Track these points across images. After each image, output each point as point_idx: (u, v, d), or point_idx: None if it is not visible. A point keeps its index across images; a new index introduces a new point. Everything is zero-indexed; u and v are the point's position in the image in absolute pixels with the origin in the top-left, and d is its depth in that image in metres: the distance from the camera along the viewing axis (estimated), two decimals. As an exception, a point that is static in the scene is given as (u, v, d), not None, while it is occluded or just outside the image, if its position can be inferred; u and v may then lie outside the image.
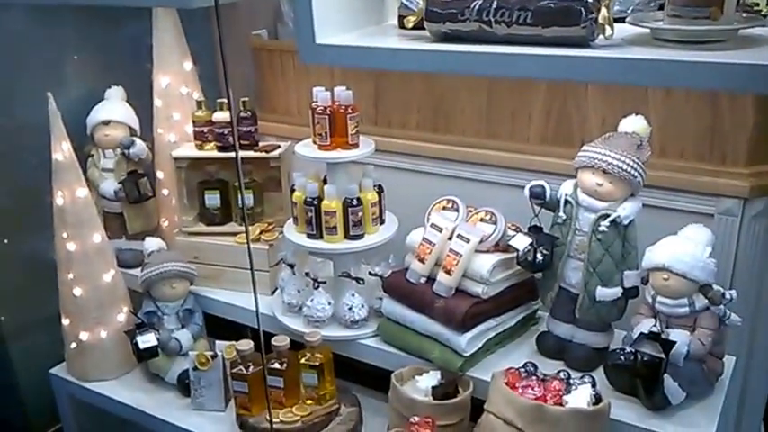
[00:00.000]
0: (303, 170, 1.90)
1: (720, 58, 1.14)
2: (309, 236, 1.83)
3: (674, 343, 1.45)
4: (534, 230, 1.62)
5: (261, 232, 2.03)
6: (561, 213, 1.59)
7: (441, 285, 1.66)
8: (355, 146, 1.80)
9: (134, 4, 1.97)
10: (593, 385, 1.50)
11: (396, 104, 2.18)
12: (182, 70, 2.17)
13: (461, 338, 1.62)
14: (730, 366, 1.64)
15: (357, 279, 1.82)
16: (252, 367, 1.81)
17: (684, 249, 1.48)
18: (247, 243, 1.97)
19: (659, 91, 1.74)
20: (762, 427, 2.01)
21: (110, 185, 2.15)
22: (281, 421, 1.79)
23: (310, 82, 1.87)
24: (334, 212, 1.78)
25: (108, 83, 2.20)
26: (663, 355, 1.44)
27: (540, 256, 1.58)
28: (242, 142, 2.02)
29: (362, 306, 1.81)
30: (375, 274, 1.83)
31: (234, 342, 1.89)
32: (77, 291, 2.01)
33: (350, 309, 1.80)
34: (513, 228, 1.68)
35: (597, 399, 1.48)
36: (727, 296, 1.47)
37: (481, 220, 1.69)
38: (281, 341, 1.81)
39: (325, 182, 1.85)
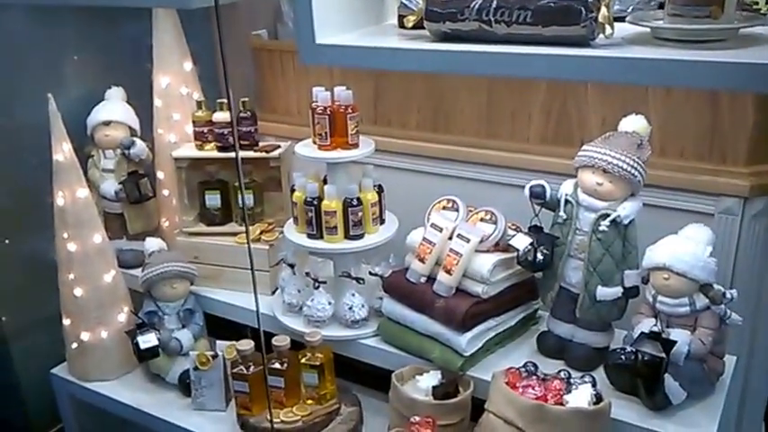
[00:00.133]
0: (303, 170, 1.90)
1: (721, 57, 1.14)
2: (310, 236, 1.83)
3: (675, 342, 1.45)
4: (534, 230, 1.62)
5: (261, 232, 2.03)
6: (561, 213, 1.59)
7: (441, 285, 1.66)
8: (355, 146, 1.80)
9: (134, 4, 1.97)
10: (594, 385, 1.50)
11: (395, 104, 2.18)
12: (182, 70, 2.17)
13: (462, 338, 1.62)
14: (731, 366, 1.64)
15: (357, 279, 1.82)
16: (252, 367, 1.81)
17: (685, 249, 1.48)
18: (248, 243, 1.97)
19: (659, 90, 1.74)
20: (763, 426, 2.01)
21: (110, 186, 2.15)
22: (282, 421, 1.79)
23: (310, 82, 1.87)
24: (335, 212, 1.78)
25: (108, 83, 2.20)
26: (663, 355, 1.43)
27: (540, 256, 1.58)
28: (242, 142, 2.02)
29: (363, 306, 1.81)
30: (375, 274, 1.83)
31: (234, 342, 1.89)
32: (78, 291, 2.01)
33: (350, 309, 1.80)
34: (514, 227, 1.68)
35: (598, 398, 1.48)
36: (728, 295, 1.47)
37: (481, 219, 1.69)
38: (281, 341, 1.81)
39: (325, 182, 1.85)
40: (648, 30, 1.31)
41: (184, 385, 1.99)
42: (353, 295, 1.81)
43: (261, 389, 1.81)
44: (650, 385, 1.48)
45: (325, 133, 1.78)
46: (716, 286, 1.48)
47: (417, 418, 1.57)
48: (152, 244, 2.06)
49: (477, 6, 1.34)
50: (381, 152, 1.92)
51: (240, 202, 2.06)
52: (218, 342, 2.01)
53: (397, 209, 1.92)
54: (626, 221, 1.52)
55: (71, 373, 2.14)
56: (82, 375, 2.11)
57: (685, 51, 1.19)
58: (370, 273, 1.84)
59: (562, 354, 1.66)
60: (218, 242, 2.07)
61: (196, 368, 1.92)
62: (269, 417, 1.80)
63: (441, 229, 1.69)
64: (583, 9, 1.25)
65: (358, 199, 1.79)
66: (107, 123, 2.14)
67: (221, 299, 2.08)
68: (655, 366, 1.44)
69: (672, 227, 1.55)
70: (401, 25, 1.53)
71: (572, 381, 1.51)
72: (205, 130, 2.05)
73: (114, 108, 2.17)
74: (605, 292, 1.55)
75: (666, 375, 1.46)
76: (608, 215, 1.52)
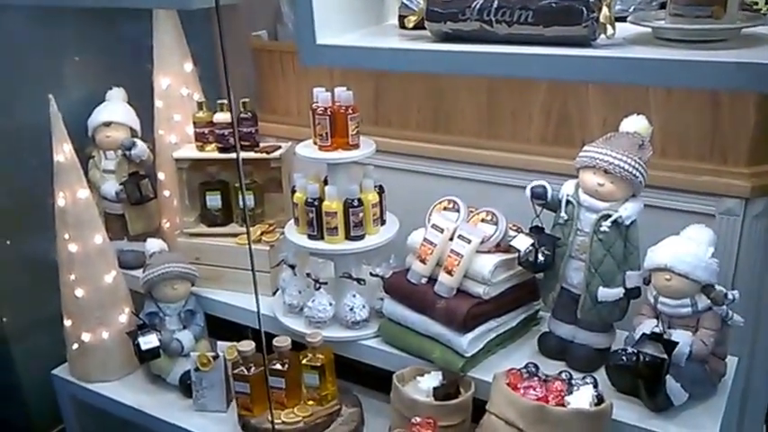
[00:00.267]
0: (304, 171, 1.89)
1: (723, 57, 1.13)
2: (310, 237, 1.83)
3: (677, 343, 1.44)
4: (536, 231, 1.62)
5: (262, 233, 2.03)
6: (563, 214, 1.58)
7: (442, 286, 1.66)
8: (356, 146, 1.80)
9: (134, 5, 1.97)
10: (595, 386, 1.50)
11: (396, 105, 2.18)
12: (182, 71, 2.17)
13: (463, 339, 1.62)
14: (733, 367, 1.63)
15: (358, 280, 1.82)
16: (253, 368, 1.81)
17: (687, 250, 1.47)
18: (249, 244, 1.97)
19: (660, 90, 1.74)
20: (764, 428, 2.00)
21: (111, 187, 2.15)
22: (283, 422, 1.79)
23: (310, 83, 1.87)
24: (335, 213, 1.78)
25: (109, 84, 2.20)
26: (665, 356, 1.43)
27: (541, 257, 1.57)
28: (242, 143, 2.02)
29: (363, 307, 1.81)
30: (376, 275, 1.82)
31: (235, 343, 1.89)
32: (79, 292, 2.01)
33: (351, 309, 1.80)
34: (515, 228, 1.68)
35: (599, 399, 1.47)
36: (730, 296, 1.47)
37: (482, 220, 1.68)
38: (282, 342, 1.81)
39: (325, 182, 1.85)
40: (650, 30, 1.31)
41: (185, 386, 1.98)
42: (354, 296, 1.81)
43: (262, 390, 1.81)
44: (652, 386, 1.48)
45: (326, 134, 1.78)
46: (717, 287, 1.47)
47: (418, 419, 1.57)
48: (153, 245, 2.05)
49: (478, 6, 1.34)
50: (382, 153, 1.92)
51: (241, 202, 2.06)
52: (219, 343, 2.01)
53: (398, 210, 1.92)
54: (627, 222, 1.52)
55: (72, 374, 2.14)
56: (83, 376, 2.11)
57: (687, 51, 1.18)
58: (371, 274, 1.84)
59: (563, 355, 1.65)
60: (218, 243, 2.07)
61: (197, 369, 1.92)
62: (270, 418, 1.79)
63: (442, 230, 1.68)
64: (584, 9, 1.25)
65: (359, 200, 1.79)
66: (108, 124, 2.14)
67: (222, 300, 2.08)
68: (656, 367, 1.43)
69: (673, 228, 1.54)
70: (402, 25, 1.52)
71: (573, 382, 1.51)
72: (206, 131, 2.05)
73: (115, 109, 2.17)
74: (607, 293, 1.55)
75: (668, 376, 1.46)
76: (609, 216, 1.51)
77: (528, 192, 1.62)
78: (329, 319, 1.84)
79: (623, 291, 1.55)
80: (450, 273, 1.64)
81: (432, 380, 1.64)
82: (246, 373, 1.81)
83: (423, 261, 1.70)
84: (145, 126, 2.21)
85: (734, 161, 1.71)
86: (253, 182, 2.08)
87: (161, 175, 2.22)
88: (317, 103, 1.78)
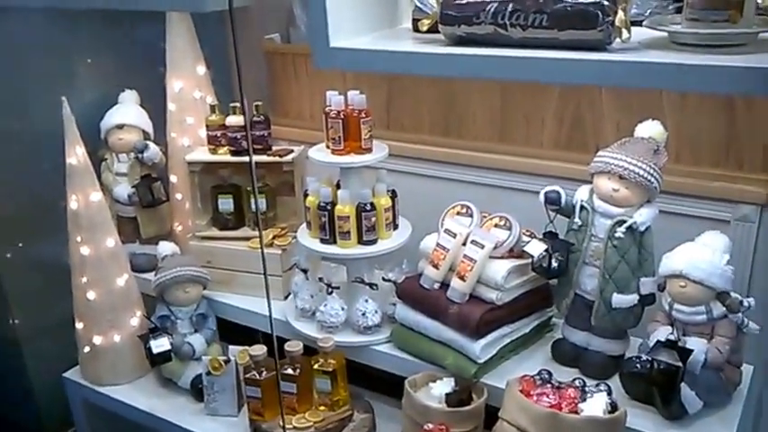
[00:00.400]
0: (316, 175, 1.89)
1: (740, 61, 1.12)
2: (323, 241, 1.82)
3: (692, 351, 1.43)
4: (549, 236, 1.60)
5: (274, 237, 2.03)
6: (577, 219, 1.57)
7: (454, 291, 1.65)
8: (369, 150, 1.79)
9: (147, 7, 1.97)
10: (609, 393, 1.49)
11: (408, 108, 2.17)
12: (195, 74, 2.17)
13: (475, 345, 1.61)
14: (748, 375, 1.62)
15: (370, 285, 1.81)
16: (265, 372, 1.81)
17: (702, 256, 1.46)
18: (261, 248, 1.97)
19: (674, 95, 1.72)
20: (780, 435, 1.98)
21: (123, 189, 2.15)
22: (295, 427, 1.79)
23: (323, 86, 1.87)
24: (348, 217, 1.77)
25: (122, 86, 2.21)
26: (680, 364, 1.42)
27: (555, 263, 1.56)
28: (255, 146, 2.02)
29: (376, 312, 1.80)
30: (388, 280, 1.82)
31: (247, 347, 1.88)
32: (91, 295, 2.01)
33: (363, 314, 1.79)
34: (528, 233, 1.67)
35: (613, 407, 1.46)
36: (745, 304, 1.45)
37: (495, 225, 1.67)
38: (294, 347, 1.81)
39: (338, 186, 1.84)
40: (666, 34, 1.30)
41: (197, 390, 1.98)
42: (366, 301, 1.80)
43: (273, 394, 1.80)
44: (666, 394, 1.46)
45: (339, 137, 1.77)
46: (733, 294, 1.46)
47: (430, 426, 1.56)
48: (165, 248, 2.06)
49: (492, 10, 1.34)
50: (394, 157, 1.91)
51: (253, 206, 2.05)
52: (230, 347, 2.01)
53: (410, 214, 1.91)
54: (642, 228, 1.51)
55: (84, 377, 2.14)
56: (94, 379, 2.11)
57: (704, 56, 1.17)
58: (384, 278, 1.83)
59: (577, 362, 1.64)
60: (230, 247, 2.07)
61: (209, 373, 1.92)
62: (281, 423, 1.79)
63: (454, 235, 1.68)
64: (599, 13, 1.24)
65: (371, 204, 1.78)
66: (120, 127, 2.14)
67: (234, 303, 2.08)
68: (671, 375, 1.42)
69: (688, 234, 1.53)
70: (415, 29, 1.52)
71: (587, 389, 1.50)
72: (218, 134, 2.05)
73: (128, 111, 2.18)
74: (621, 300, 1.54)
75: (683, 384, 1.44)
76: (624, 222, 1.50)
77: (541, 197, 1.61)
78: (341, 324, 1.83)
79: (638, 297, 1.54)
80: (462, 278, 1.63)
81: (444, 386, 1.63)
82: (258, 377, 1.81)
83: (435, 266, 1.69)
84: (157, 129, 2.21)
85: (750, 167, 1.70)
86: (265, 185, 2.07)
87: (173, 178, 2.22)
88: (329, 106, 1.78)
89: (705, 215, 1.73)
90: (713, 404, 1.51)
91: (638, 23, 1.34)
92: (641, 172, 1.48)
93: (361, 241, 1.80)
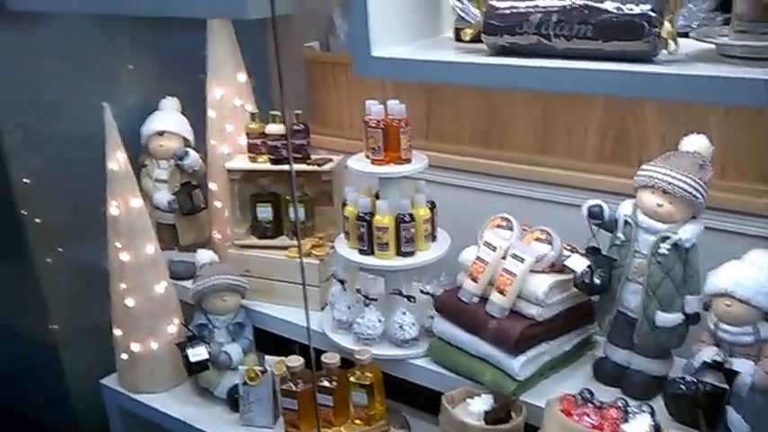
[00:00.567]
0: (354, 184, 1.88)
1: (790, 75, 1.09)
2: (361, 251, 1.81)
3: (738, 373, 1.39)
4: (592, 252, 1.57)
5: (312, 247, 2.02)
6: (620, 234, 1.54)
7: (494, 306, 1.62)
8: (408, 161, 1.78)
9: (189, 14, 1.98)
10: (652, 415, 1.44)
11: (448, 118, 2.15)
12: (235, 82, 2.18)
13: (514, 361, 1.58)
14: (797, 399, 1.56)
15: (408, 297, 1.79)
16: (302, 384, 1.80)
17: (748, 275, 1.42)
18: (300, 258, 1.96)
19: (720, 108, 1.68)
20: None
21: (163, 196, 2.16)
22: (330, 440, 1.78)
23: (362, 95, 1.86)
24: (387, 228, 1.76)
25: (162, 93, 2.22)
26: (726, 386, 1.38)
27: (597, 279, 1.53)
28: (294, 155, 2.02)
29: (413, 325, 1.78)
30: (427, 293, 1.79)
31: (283, 358, 1.87)
32: (130, 301, 2.03)
33: (400, 327, 1.77)
34: (570, 248, 1.64)
35: (656, 429, 1.41)
36: (795, 325, 1.41)
37: (536, 239, 1.64)
38: (331, 359, 1.79)
39: (377, 197, 1.83)
40: (713, 46, 1.26)
41: (233, 400, 1.98)
42: (404, 314, 1.78)
43: (309, 406, 1.79)
44: (711, 417, 1.41)
45: (378, 147, 1.76)
46: (781, 315, 1.41)
47: (468, 443, 1.54)
48: (203, 256, 2.06)
49: (536, 20, 1.32)
50: (433, 167, 1.89)
51: (292, 215, 2.05)
52: (266, 357, 2.00)
53: (449, 226, 1.89)
54: (687, 245, 1.47)
55: (121, 384, 2.15)
56: (131, 386, 2.13)
57: (752, 69, 1.14)
58: (422, 291, 1.81)
59: (619, 381, 1.60)
60: (268, 256, 2.07)
61: (245, 383, 1.91)
62: (317, 435, 1.78)
63: (494, 248, 1.65)
64: (646, 24, 1.22)
65: (410, 215, 1.77)
66: (161, 133, 2.16)
67: (271, 313, 2.07)
68: (716, 397, 1.38)
69: (734, 251, 1.48)
70: (458, 38, 1.50)
71: (629, 410, 1.45)
72: (258, 143, 2.05)
73: (169, 118, 2.19)
74: (665, 318, 1.50)
75: (729, 407, 1.40)
76: (668, 237, 1.46)
77: (584, 211, 1.58)
78: (378, 337, 1.81)
79: (682, 316, 1.50)
80: (502, 292, 1.61)
81: (482, 403, 1.60)
82: (294, 389, 1.80)
83: (474, 279, 1.66)
84: (197, 136, 2.22)
85: (798, 183, 1.64)
86: (304, 194, 2.06)
87: (213, 186, 2.23)
88: (369, 115, 1.77)
89: (751, 232, 1.68)
90: (760, 428, 1.45)
91: (685, 35, 1.31)
92: (686, 186, 1.45)
93: (399, 253, 1.78)
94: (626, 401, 1.48)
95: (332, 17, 2.42)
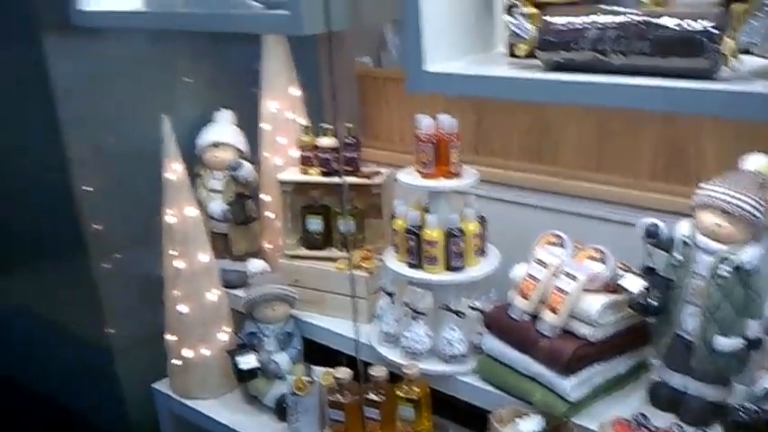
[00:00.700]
0: (404, 198, 1.88)
1: None
2: (410, 265, 1.80)
3: (803, 402, 1.34)
4: (647, 272, 1.53)
5: (361, 259, 2.02)
6: (677, 255, 1.50)
7: (545, 324, 1.60)
8: (457, 175, 1.77)
9: (246, 30, 2.02)
10: (710, 442, 1.40)
11: (498, 133, 2.13)
12: (288, 95, 2.20)
13: (566, 382, 1.55)
14: None
15: (457, 312, 1.77)
16: (349, 396, 1.80)
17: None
18: (350, 270, 1.96)
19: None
20: None
21: (217, 206, 2.19)
22: (376, 454, 1.77)
23: (412, 109, 1.86)
24: (436, 242, 1.75)
25: (217, 105, 2.26)
26: (790, 415, 1.33)
27: (653, 300, 1.49)
28: (345, 168, 2.03)
29: (462, 341, 1.76)
30: (476, 309, 1.78)
31: (331, 369, 1.88)
32: (183, 308, 2.06)
33: (449, 343, 1.76)
34: (624, 267, 1.60)
35: (713, 457, 1.38)
36: None
37: (589, 257, 1.61)
38: (379, 372, 1.79)
39: (426, 211, 1.83)
40: (777, 63, 1.23)
41: (281, 409, 1.99)
42: (452, 329, 1.77)
43: (356, 419, 1.79)
44: (773, 446, 1.37)
45: (429, 161, 1.76)
46: None
47: (517, 464, 1.52)
48: (255, 265, 2.09)
49: (592, 36, 1.30)
50: (482, 182, 1.87)
51: (342, 227, 2.06)
52: (314, 368, 2.01)
53: (497, 241, 1.87)
54: (748, 267, 1.42)
55: (172, 389, 2.19)
56: (182, 392, 2.16)
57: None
58: (471, 307, 1.79)
59: (675, 407, 1.54)
60: (318, 267, 2.08)
61: (293, 393, 1.92)
62: (363, 448, 1.78)
63: (546, 265, 1.63)
64: (706, 40, 1.18)
65: (460, 229, 1.75)
66: (216, 145, 2.20)
67: (318, 324, 2.08)
68: (779, 427, 1.33)
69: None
70: (511, 53, 1.49)
71: (685, 436, 1.42)
72: (310, 155, 2.07)
73: (224, 130, 2.23)
74: (723, 343, 1.45)
75: (792, 437, 1.35)
76: (728, 259, 1.42)
77: (640, 229, 1.54)
78: (426, 351, 1.80)
79: (743, 341, 1.44)
80: (554, 311, 1.58)
81: (531, 423, 1.57)
82: (342, 400, 1.80)
83: (525, 296, 1.64)
84: (250, 148, 2.26)
85: None
86: (354, 207, 2.07)
87: (264, 197, 2.25)
88: (420, 129, 1.77)
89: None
90: (824, 459, 1.40)
91: (748, 52, 1.27)
92: (746, 206, 1.40)
93: (448, 267, 1.77)
94: (682, 428, 1.44)
95: (383, 33, 2.44)
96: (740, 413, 1.37)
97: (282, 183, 2.09)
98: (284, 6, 1.58)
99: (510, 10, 1.45)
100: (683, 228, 1.51)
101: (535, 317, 1.63)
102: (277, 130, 2.21)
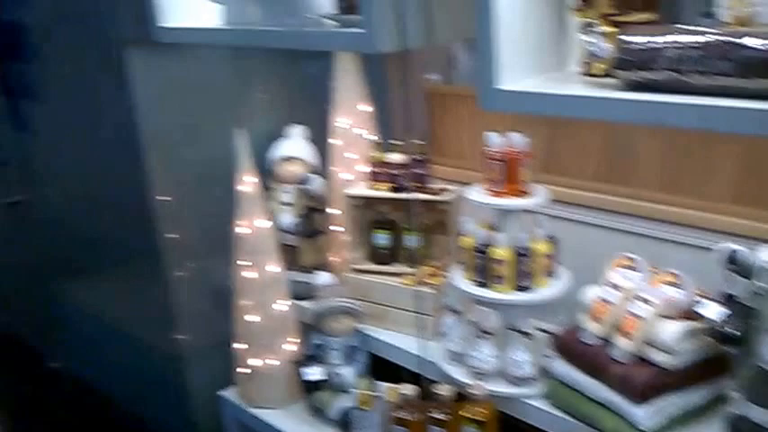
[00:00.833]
0: (471, 215, 1.87)
1: None
2: (477, 283, 1.79)
3: None
4: (727, 299, 1.48)
5: (427, 275, 2.02)
6: (760, 283, 1.44)
7: (618, 350, 1.56)
8: (527, 194, 1.75)
9: (321, 47, 2.05)
10: (792, 480, 1.34)
11: (570, 153, 2.10)
12: (358, 111, 2.23)
13: (639, 411, 1.50)
14: None
15: (525, 333, 1.75)
16: (415, 414, 1.79)
17: None
18: (417, 286, 1.96)
19: None
20: None
21: (287, 218, 2.23)
22: (440, 475, 1.75)
23: (482, 126, 1.85)
24: (504, 261, 1.73)
25: (289, 120, 2.30)
26: None
27: (733, 329, 1.44)
28: (414, 184, 2.04)
29: (530, 362, 1.74)
30: (544, 331, 1.75)
31: (397, 385, 1.88)
32: (251, 317, 2.10)
33: (516, 364, 1.73)
34: (702, 294, 1.55)
35: (796, 496, 1.31)
36: None
37: (665, 282, 1.57)
38: (445, 390, 1.77)
39: (493, 229, 1.81)
40: None
41: (344, 423, 2.00)
42: (520, 350, 1.74)
43: (420, 437, 1.78)
44: None
45: (498, 179, 1.75)
46: None
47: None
48: (322, 278, 2.11)
49: (672, 55, 1.26)
50: (553, 202, 1.84)
51: (408, 243, 2.06)
52: (378, 383, 2.01)
53: (567, 262, 1.84)
54: (836, 297, 1.36)
55: (238, 397, 2.22)
56: (249, 400, 2.19)
57: None
58: (539, 328, 1.77)
59: (756, 442, 1.49)
60: (384, 281, 2.09)
61: (357, 407, 1.92)
62: (426, 467, 1.76)
63: (619, 289, 1.59)
64: (794, 61, 1.14)
65: (529, 249, 1.73)
66: (288, 159, 2.23)
67: (383, 339, 2.08)
68: None
69: None
70: (586, 72, 1.47)
71: (767, 474, 1.35)
72: (379, 171, 2.09)
73: (295, 145, 2.26)
74: (808, 377, 1.38)
75: None
76: (814, 289, 1.36)
77: (720, 254, 1.49)
78: (492, 372, 1.78)
79: (829, 375, 1.38)
80: (627, 336, 1.54)
81: (602, 451, 1.54)
82: (407, 418, 1.79)
83: (597, 320, 1.61)
84: (320, 162, 2.29)
85: None
86: (421, 223, 2.08)
87: (333, 211, 2.27)
88: (490, 147, 1.76)
89: None
90: None
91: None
92: (836, 233, 1.34)
93: (516, 287, 1.75)
94: (763, 464, 1.38)
95: (453, 50, 2.44)
96: (826, 451, 1.31)
97: (351, 197, 2.11)
98: (359, 25, 1.59)
99: (586, 29, 1.43)
100: (765, 254, 1.45)
101: (607, 341, 1.59)
102: (346, 146, 2.23)
